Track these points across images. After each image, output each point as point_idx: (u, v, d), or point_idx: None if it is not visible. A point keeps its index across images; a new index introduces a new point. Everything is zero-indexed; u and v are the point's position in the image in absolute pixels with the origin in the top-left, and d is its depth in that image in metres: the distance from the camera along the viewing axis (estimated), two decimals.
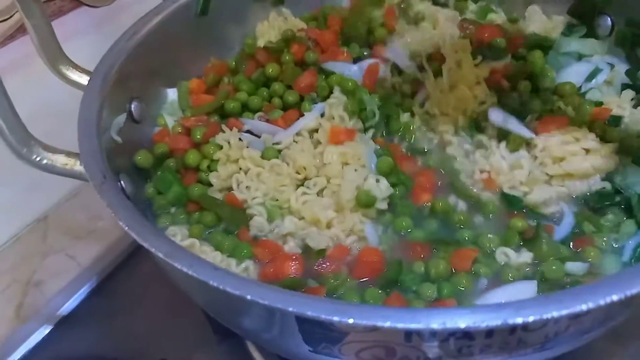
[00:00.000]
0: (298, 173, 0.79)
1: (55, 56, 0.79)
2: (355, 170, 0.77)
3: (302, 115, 0.87)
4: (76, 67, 0.81)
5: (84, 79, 0.80)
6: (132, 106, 0.84)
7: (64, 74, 0.81)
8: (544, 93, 0.87)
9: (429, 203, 0.77)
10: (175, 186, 0.78)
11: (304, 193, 0.77)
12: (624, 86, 0.87)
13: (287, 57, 0.91)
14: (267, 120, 0.87)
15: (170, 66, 0.93)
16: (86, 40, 1.10)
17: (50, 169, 0.69)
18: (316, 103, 0.89)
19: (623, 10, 0.90)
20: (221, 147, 0.82)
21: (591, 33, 0.95)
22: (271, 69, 0.91)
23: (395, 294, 0.66)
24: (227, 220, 0.76)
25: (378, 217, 0.76)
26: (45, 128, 0.98)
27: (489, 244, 0.71)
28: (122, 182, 0.73)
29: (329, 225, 0.74)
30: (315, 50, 0.93)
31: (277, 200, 0.77)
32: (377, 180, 0.76)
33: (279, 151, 0.82)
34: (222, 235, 0.74)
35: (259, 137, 0.85)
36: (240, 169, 0.80)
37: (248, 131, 0.86)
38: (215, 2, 0.96)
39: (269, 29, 1.02)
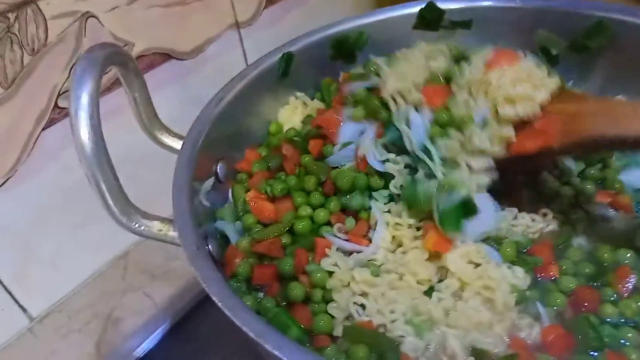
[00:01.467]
0: (419, 284, 0.75)
1: (151, 122, 0.85)
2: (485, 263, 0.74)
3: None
4: (169, 132, 0.86)
5: (176, 143, 0.85)
6: (218, 167, 0.88)
7: (158, 138, 0.85)
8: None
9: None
10: (294, 329, 0.69)
11: (440, 299, 0.73)
12: None
13: (307, 159, 0.88)
14: (346, 233, 0.82)
15: (252, 125, 0.97)
16: (174, 90, 1.17)
17: (146, 234, 0.73)
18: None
19: None
20: (329, 273, 0.76)
21: None
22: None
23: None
24: (379, 349, 0.68)
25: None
26: (132, 176, 1.06)
27: None
28: (209, 245, 0.77)
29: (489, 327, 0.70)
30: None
31: (419, 315, 0.72)
32: (509, 268, 0.75)
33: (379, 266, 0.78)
34: None
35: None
36: (354, 292, 0.74)
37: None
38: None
39: (291, 114, 1.02)
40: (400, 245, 0.80)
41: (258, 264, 0.80)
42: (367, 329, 0.71)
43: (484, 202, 0.78)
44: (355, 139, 0.86)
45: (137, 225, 0.72)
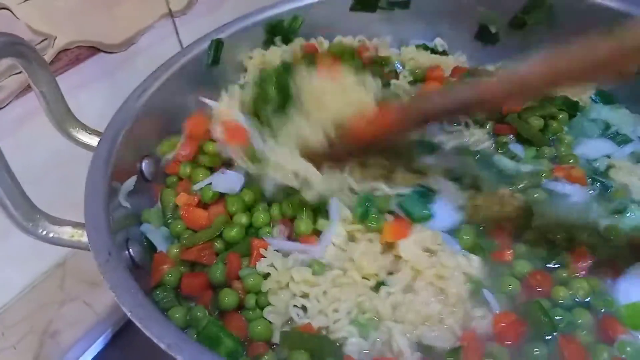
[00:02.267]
0: (366, 279, 0.70)
1: (63, 118, 0.78)
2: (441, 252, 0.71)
3: None
4: (85, 128, 0.79)
5: (94, 140, 0.78)
6: (143, 164, 0.81)
7: (73, 135, 0.79)
8: None
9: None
10: (227, 341, 0.63)
11: (389, 293, 0.68)
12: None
13: None
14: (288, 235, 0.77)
15: (181, 119, 0.90)
16: (103, 86, 1.09)
17: (57, 242, 0.67)
18: None
19: None
20: (264, 277, 0.71)
21: None
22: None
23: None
24: (321, 353, 0.64)
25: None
26: (61, 177, 0.98)
27: None
28: (130, 249, 0.71)
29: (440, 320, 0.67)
30: None
31: (365, 313, 0.68)
32: (464, 256, 0.71)
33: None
34: None
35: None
36: (295, 294, 0.69)
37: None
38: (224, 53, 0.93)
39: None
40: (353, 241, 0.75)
41: (187, 272, 0.74)
42: (306, 333, 0.65)
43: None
44: None
45: (44, 232, 0.66)
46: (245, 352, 0.66)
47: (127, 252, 0.70)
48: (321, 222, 0.76)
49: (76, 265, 1.11)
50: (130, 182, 0.77)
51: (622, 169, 0.82)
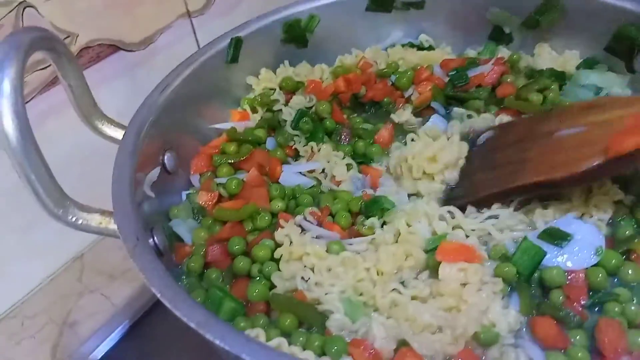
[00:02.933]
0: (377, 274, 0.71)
1: (89, 111, 0.80)
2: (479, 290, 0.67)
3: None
4: (111, 121, 0.81)
5: (118, 133, 0.80)
6: (166, 158, 0.83)
7: (99, 128, 0.81)
8: None
9: None
10: (228, 302, 0.69)
11: (396, 291, 0.69)
12: None
13: None
14: (320, 220, 0.80)
15: (203, 113, 0.93)
16: (123, 84, 1.11)
17: (85, 229, 0.69)
18: None
19: None
20: (273, 250, 0.75)
21: (628, 68, 0.95)
22: None
23: None
24: (309, 320, 0.68)
25: None
26: (83, 171, 1.01)
27: None
28: (155, 237, 0.73)
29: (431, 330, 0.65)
30: None
31: (361, 294, 0.70)
32: (505, 308, 0.67)
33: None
34: (304, 334, 0.66)
35: None
36: (305, 266, 0.72)
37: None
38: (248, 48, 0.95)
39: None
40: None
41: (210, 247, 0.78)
42: (295, 299, 0.69)
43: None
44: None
45: (74, 219, 0.68)
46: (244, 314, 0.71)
47: (151, 240, 0.71)
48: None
49: (94, 259, 1.13)
50: (154, 173, 0.79)
51: None
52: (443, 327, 0.65)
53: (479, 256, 0.71)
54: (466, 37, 1.07)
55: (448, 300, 0.67)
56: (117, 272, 1.10)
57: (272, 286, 0.73)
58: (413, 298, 0.69)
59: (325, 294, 0.69)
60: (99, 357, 0.96)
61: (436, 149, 0.85)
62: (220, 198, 0.84)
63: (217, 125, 0.95)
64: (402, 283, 0.71)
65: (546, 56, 1.01)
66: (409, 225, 0.76)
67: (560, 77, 0.96)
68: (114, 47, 1.07)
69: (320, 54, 1.06)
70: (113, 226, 0.68)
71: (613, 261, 0.70)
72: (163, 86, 0.85)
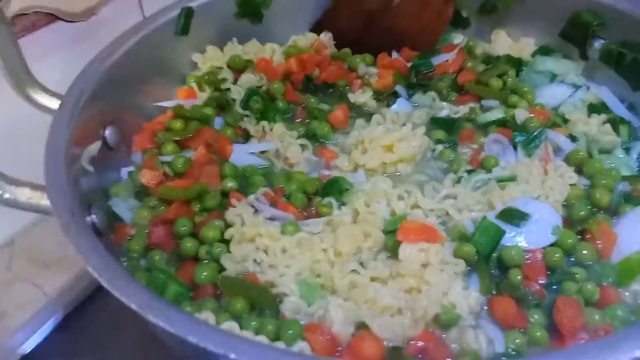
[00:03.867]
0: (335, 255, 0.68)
1: (22, 79, 0.73)
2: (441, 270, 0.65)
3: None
4: (46, 90, 0.74)
5: (54, 103, 0.74)
6: (107, 132, 0.77)
7: (33, 97, 0.74)
8: None
9: None
10: (173, 285, 0.65)
11: (355, 272, 0.66)
12: (591, 106, 0.91)
13: None
14: (273, 201, 0.76)
15: (148, 88, 0.87)
16: (61, 58, 1.03)
17: (12, 204, 0.62)
18: None
19: (615, 33, 0.90)
20: (223, 231, 0.71)
21: (582, 55, 0.96)
22: None
23: None
24: (261, 304, 0.64)
25: None
26: (14, 149, 0.92)
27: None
28: (93, 215, 0.67)
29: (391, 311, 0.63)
30: None
31: (318, 276, 0.67)
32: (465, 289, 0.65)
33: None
34: (257, 319, 0.63)
35: None
36: (258, 248, 0.69)
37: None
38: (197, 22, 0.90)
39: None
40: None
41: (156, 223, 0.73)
42: (246, 281, 0.65)
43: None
44: None
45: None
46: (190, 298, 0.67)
47: (89, 218, 0.66)
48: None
49: (26, 245, 1.04)
50: (94, 147, 0.73)
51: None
52: (403, 309, 0.63)
53: (439, 236, 0.69)
54: None
55: (409, 280, 0.64)
56: (50, 260, 1.01)
57: (222, 269, 0.68)
58: (372, 279, 0.66)
59: (280, 276, 0.65)
60: (28, 350, 0.88)
61: (395, 138, 0.82)
62: (165, 177, 0.78)
63: (163, 103, 0.89)
64: (361, 264, 0.68)
65: (502, 43, 1.02)
66: (367, 206, 0.73)
67: (517, 64, 0.97)
68: (51, 17, 0.99)
69: (272, 34, 1.02)
70: (45, 202, 0.62)
71: (569, 241, 0.70)
72: (105, 55, 0.79)
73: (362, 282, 0.65)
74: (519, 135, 0.84)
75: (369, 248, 0.69)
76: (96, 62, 0.78)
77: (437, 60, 0.98)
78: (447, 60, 0.97)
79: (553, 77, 0.95)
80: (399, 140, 0.82)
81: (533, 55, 1.00)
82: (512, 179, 0.77)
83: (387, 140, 0.82)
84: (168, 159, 0.79)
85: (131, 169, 0.80)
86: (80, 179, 0.67)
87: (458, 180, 0.79)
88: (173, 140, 0.82)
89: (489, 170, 0.79)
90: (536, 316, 0.64)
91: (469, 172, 0.79)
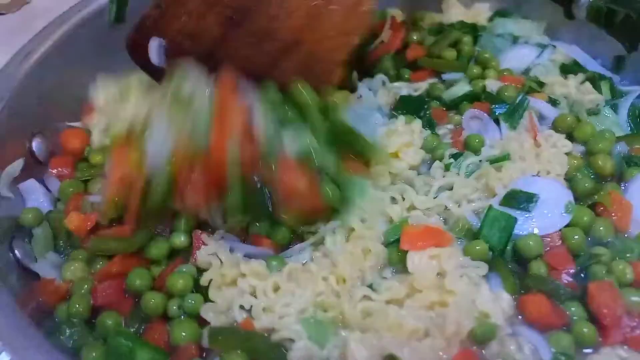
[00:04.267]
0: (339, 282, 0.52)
1: None
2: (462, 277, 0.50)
3: None
4: None
5: None
6: (34, 144, 0.58)
7: None
8: None
9: None
10: (142, 353, 0.45)
11: (367, 298, 0.50)
12: (563, 66, 0.75)
13: None
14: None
15: (80, 88, 0.65)
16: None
17: None
18: None
19: None
20: (195, 277, 0.51)
21: (567, 14, 0.79)
22: None
23: None
24: (264, 355, 0.47)
25: None
26: None
27: None
28: (16, 251, 0.48)
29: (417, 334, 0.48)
30: None
31: (325, 310, 0.49)
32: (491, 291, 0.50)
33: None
34: None
35: None
36: (243, 291, 0.51)
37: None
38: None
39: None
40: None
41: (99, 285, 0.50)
42: (240, 331, 0.47)
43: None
44: None
45: None
46: None
47: (11, 254, 0.46)
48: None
49: None
50: (16, 166, 0.53)
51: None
52: (430, 329, 0.47)
53: (448, 237, 0.53)
54: None
55: (429, 295, 0.49)
56: None
57: (202, 323, 0.49)
58: (387, 302, 0.50)
59: (280, 318, 0.48)
60: None
61: (402, 144, 0.63)
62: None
63: (74, 124, 0.64)
64: (371, 287, 0.51)
65: (454, 11, 0.84)
66: (363, 221, 0.56)
67: (472, 29, 0.81)
68: None
69: None
70: None
71: (585, 218, 0.55)
72: (24, 53, 0.60)
73: (377, 308, 0.48)
74: (498, 107, 0.67)
75: (371, 267, 0.53)
76: (13, 63, 0.59)
77: (373, 46, 0.78)
78: (382, 42, 0.79)
79: (515, 39, 0.80)
80: (406, 145, 0.63)
81: (490, 20, 0.84)
82: (505, 157, 0.61)
83: (393, 147, 0.63)
84: (97, 199, 0.55)
85: (49, 210, 0.57)
86: None
87: (447, 168, 0.62)
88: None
89: (476, 152, 0.63)
90: (574, 309, 0.49)
91: (454, 156, 0.62)
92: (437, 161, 0.63)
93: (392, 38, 0.79)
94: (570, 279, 0.51)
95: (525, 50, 0.78)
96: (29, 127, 0.57)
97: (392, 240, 0.54)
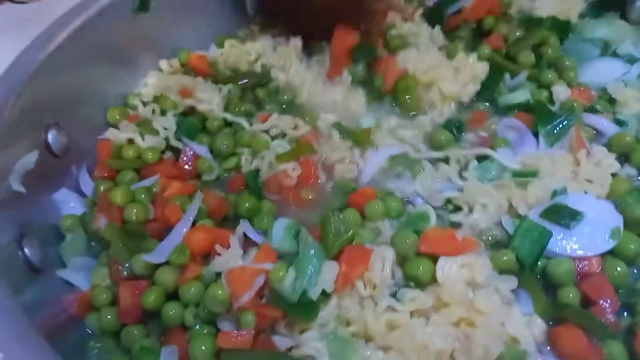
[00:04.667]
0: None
1: None
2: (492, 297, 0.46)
3: None
4: None
5: None
6: (49, 136, 0.56)
7: None
8: None
9: None
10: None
11: (392, 309, 0.46)
12: None
13: None
14: None
15: (100, 79, 0.64)
16: (13, 41, 0.81)
17: None
18: None
19: None
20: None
21: (623, 16, 0.72)
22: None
23: None
24: None
25: None
26: None
27: None
28: (26, 249, 0.47)
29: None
30: None
31: (348, 324, 0.46)
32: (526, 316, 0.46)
33: None
34: None
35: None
36: None
37: None
38: None
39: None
40: None
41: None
42: (260, 352, 0.44)
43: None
44: None
45: None
46: None
47: (20, 252, 0.45)
48: None
49: None
50: (29, 158, 0.52)
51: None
52: (456, 353, 0.43)
53: (473, 242, 0.49)
54: None
55: (456, 311, 0.45)
56: None
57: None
58: (412, 313, 0.46)
59: (300, 332, 0.45)
60: None
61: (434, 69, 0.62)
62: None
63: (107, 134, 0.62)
64: (394, 297, 0.48)
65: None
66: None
67: (563, 29, 0.71)
68: None
69: None
70: None
71: (632, 246, 0.50)
72: (43, 41, 0.58)
73: (402, 321, 0.45)
74: (543, 119, 0.60)
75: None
76: (31, 50, 0.57)
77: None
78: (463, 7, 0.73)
79: (605, 47, 0.70)
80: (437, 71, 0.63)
81: (582, 16, 0.74)
82: (531, 174, 0.55)
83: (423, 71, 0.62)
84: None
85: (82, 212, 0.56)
86: (5, 204, 0.46)
87: (464, 168, 0.58)
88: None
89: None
90: (614, 349, 0.44)
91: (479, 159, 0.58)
92: (454, 162, 0.59)
93: (475, 5, 0.73)
94: (611, 315, 0.45)
95: (612, 64, 0.69)
96: (45, 119, 0.56)
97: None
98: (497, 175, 0.57)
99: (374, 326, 0.45)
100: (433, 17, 0.74)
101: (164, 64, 0.71)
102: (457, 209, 0.55)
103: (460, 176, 0.57)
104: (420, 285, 0.48)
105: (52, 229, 0.53)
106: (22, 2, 0.81)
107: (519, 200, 0.54)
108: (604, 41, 0.70)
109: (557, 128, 0.59)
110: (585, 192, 0.54)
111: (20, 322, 0.35)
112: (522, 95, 0.66)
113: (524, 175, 0.55)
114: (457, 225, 0.53)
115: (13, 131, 0.51)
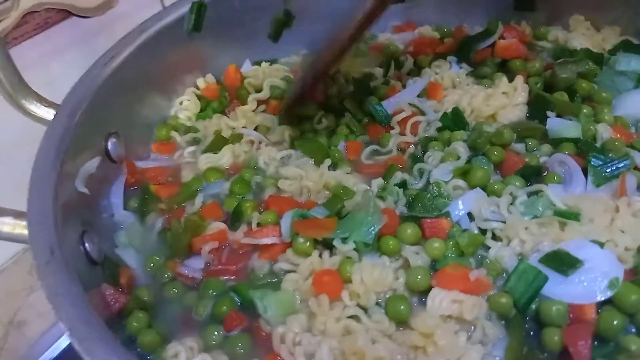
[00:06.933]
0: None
1: (15, 88, 0.62)
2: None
3: None
4: (40, 99, 0.64)
5: (50, 114, 0.63)
6: (109, 144, 0.66)
7: (26, 108, 0.63)
8: None
9: None
10: None
11: (357, 319, 0.53)
12: None
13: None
14: None
15: (157, 93, 0.74)
16: (77, 55, 0.92)
17: None
18: None
19: None
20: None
21: None
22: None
23: None
24: None
25: None
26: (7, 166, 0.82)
27: None
28: (87, 244, 0.56)
29: None
30: None
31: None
32: None
33: None
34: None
35: None
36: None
37: None
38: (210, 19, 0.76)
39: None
40: None
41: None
42: None
43: None
44: None
45: None
46: None
47: (81, 247, 0.55)
48: None
49: None
50: (92, 163, 0.62)
51: None
52: None
53: (485, 284, 0.53)
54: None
55: (415, 337, 0.50)
56: None
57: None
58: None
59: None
60: None
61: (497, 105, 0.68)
62: None
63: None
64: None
65: (581, 31, 0.79)
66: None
67: (597, 61, 0.73)
68: (65, 13, 0.88)
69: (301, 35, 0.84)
70: (26, 232, 0.51)
71: (632, 297, 0.50)
72: (108, 58, 0.68)
73: (358, 329, 0.51)
74: (594, 158, 0.61)
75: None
76: (97, 67, 0.66)
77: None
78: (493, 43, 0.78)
79: (639, 81, 0.72)
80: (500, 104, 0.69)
81: (613, 51, 0.77)
82: (573, 215, 0.56)
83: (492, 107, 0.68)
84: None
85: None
86: (71, 202, 0.56)
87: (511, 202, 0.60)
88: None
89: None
90: None
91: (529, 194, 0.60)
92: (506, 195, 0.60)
93: (506, 44, 0.77)
94: None
95: None
96: (106, 128, 0.66)
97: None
98: (542, 212, 0.58)
99: (332, 324, 0.51)
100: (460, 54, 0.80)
101: (200, 81, 0.80)
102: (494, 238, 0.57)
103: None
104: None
105: (107, 227, 0.63)
106: (86, 17, 0.92)
107: (550, 237, 0.55)
108: (638, 75, 0.72)
109: (608, 171, 0.60)
110: (605, 244, 0.54)
111: (83, 304, 0.45)
112: (573, 130, 0.66)
113: (567, 217, 0.56)
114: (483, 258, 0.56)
115: (80, 138, 0.61)
